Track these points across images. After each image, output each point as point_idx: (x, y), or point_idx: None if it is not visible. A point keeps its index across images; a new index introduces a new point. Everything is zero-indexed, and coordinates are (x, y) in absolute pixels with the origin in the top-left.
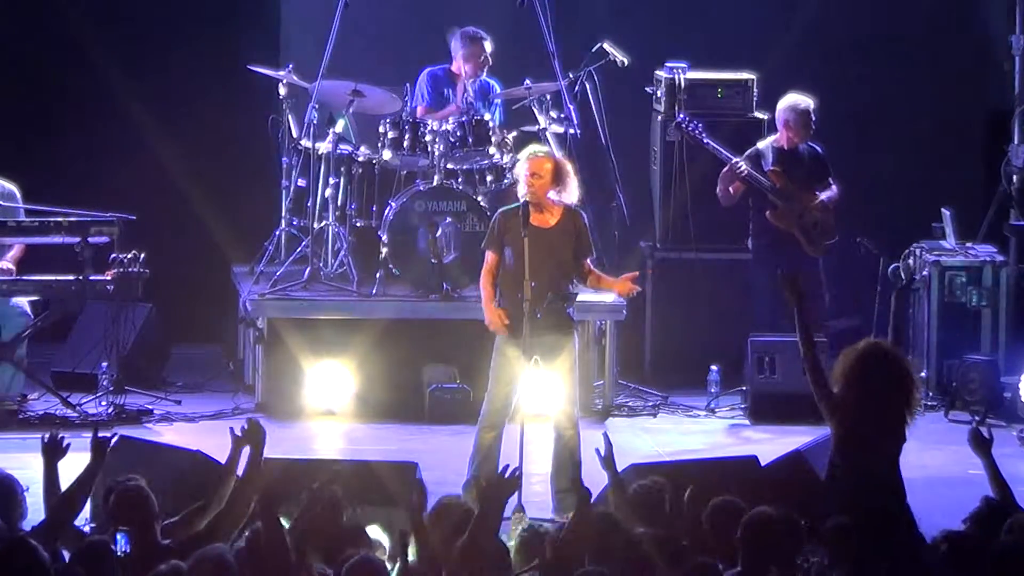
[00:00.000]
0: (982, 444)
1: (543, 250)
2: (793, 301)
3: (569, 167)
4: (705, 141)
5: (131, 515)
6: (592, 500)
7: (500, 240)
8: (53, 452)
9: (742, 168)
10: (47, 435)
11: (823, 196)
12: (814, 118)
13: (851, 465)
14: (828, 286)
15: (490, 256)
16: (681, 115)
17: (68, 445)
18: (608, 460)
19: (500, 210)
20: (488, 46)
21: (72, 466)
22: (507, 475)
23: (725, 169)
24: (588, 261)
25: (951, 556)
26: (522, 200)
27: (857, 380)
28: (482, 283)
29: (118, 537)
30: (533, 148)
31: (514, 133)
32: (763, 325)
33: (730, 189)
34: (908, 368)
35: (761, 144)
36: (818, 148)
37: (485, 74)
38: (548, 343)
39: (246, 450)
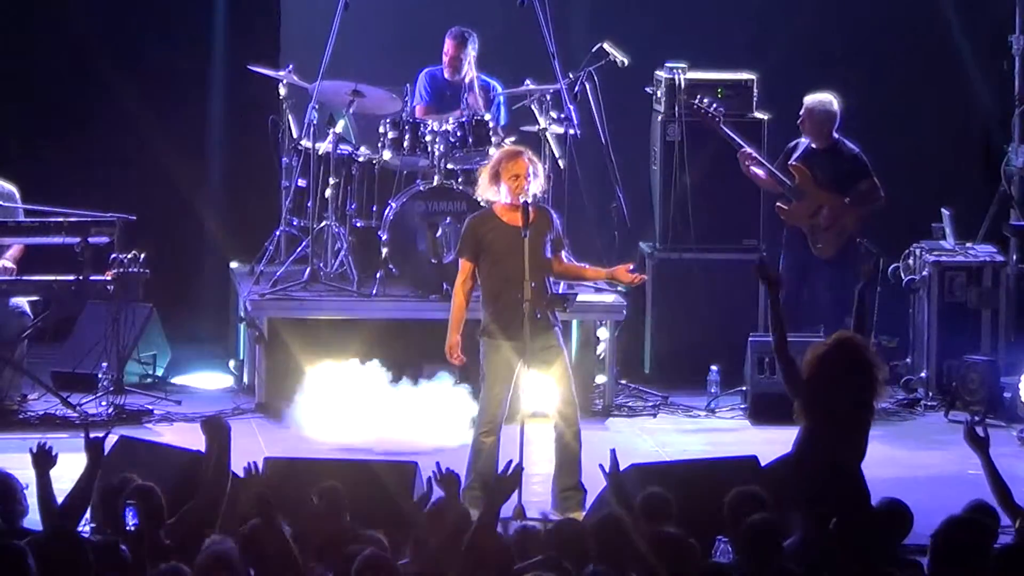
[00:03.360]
0: (978, 441)
1: (527, 250)
2: (768, 288)
3: (533, 155)
4: (722, 126)
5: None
6: (592, 502)
7: (477, 247)
8: (44, 462)
9: (746, 153)
10: (35, 446)
11: (847, 198)
12: (834, 121)
13: (814, 458)
14: (835, 287)
15: (465, 265)
16: (699, 97)
17: (57, 454)
18: (614, 477)
19: (471, 216)
20: (472, 48)
21: (66, 469)
22: (509, 471)
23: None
24: (562, 254)
25: (941, 555)
26: (522, 202)
27: (822, 368)
28: (455, 300)
29: (127, 512)
30: (504, 151)
31: (512, 138)
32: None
33: (758, 173)
34: (874, 363)
35: (803, 139)
36: (855, 151)
37: (474, 70)
38: (540, 344)
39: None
